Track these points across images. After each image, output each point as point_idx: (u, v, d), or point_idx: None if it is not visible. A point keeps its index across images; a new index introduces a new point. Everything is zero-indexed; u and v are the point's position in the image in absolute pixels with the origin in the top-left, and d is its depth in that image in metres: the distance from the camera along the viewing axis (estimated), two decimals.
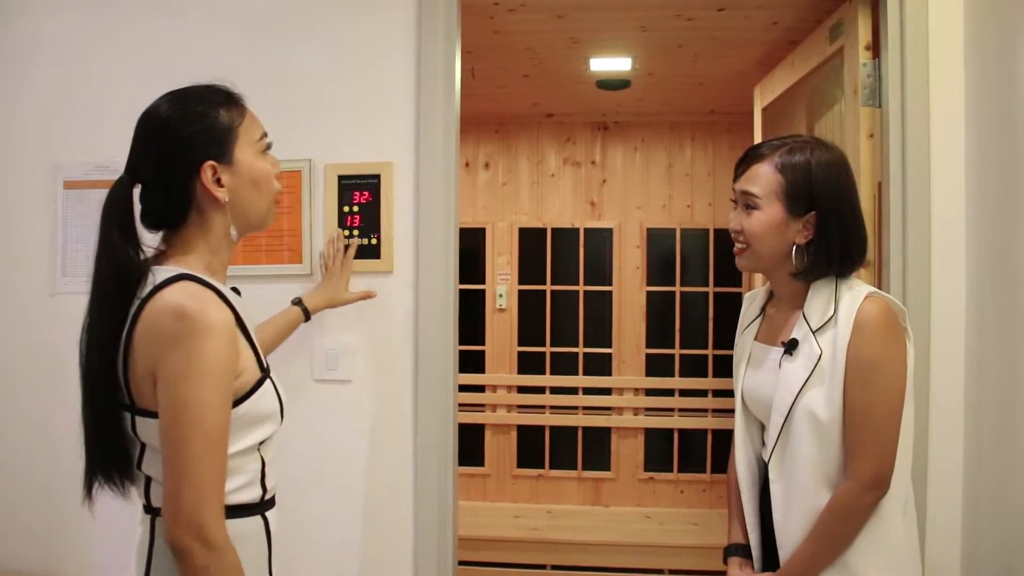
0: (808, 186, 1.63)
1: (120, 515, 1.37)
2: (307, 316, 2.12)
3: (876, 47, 2.30)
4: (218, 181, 1.36)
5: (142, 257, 1.36)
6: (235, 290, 1.51)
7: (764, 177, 1.66)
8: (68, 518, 2.36)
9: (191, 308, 1.24)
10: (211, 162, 1.35)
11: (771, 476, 1.70)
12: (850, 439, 1.59)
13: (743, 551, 1.82)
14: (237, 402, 1.31)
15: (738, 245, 1.73)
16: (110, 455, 1.35)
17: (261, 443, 1.39)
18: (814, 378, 1.61)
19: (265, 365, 1.40)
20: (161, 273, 1.31)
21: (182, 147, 1.35)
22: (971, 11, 2.16)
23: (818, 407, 1.60)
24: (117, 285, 1.31)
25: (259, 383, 1.36)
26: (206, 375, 1.23)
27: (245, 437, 1.34)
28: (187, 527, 1.22)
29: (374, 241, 2.30)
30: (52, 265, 2.41)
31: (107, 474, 1.36)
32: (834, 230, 1.64)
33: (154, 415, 1.27)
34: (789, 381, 1.65)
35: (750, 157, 1.71)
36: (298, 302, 2.12)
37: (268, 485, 1.42)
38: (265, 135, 1.45)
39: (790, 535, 1.65)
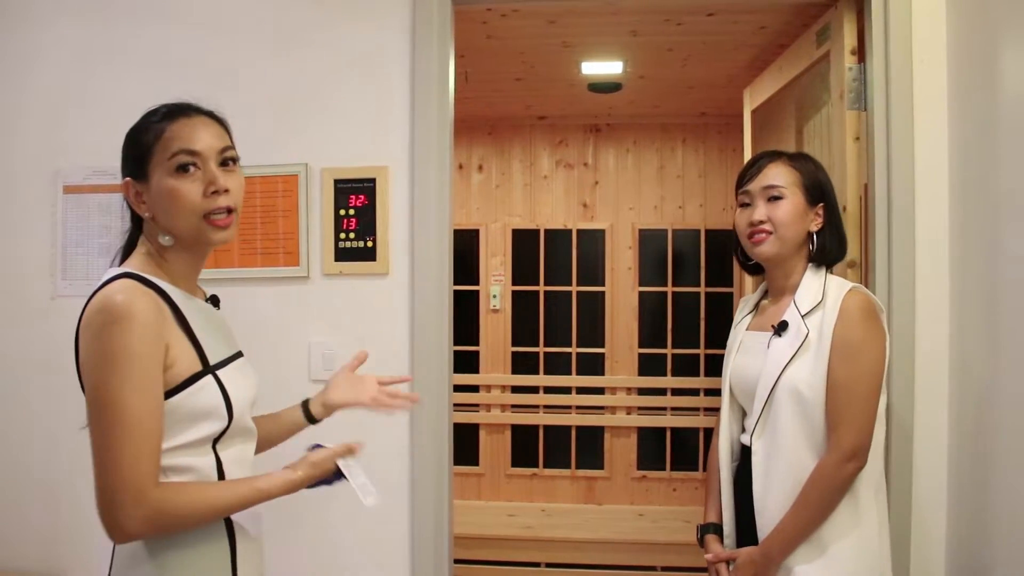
0: (818, 181, 1.88)
1: None
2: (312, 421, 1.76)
3: (861, 51, 2.34)
4: (140, 198, 1.40)
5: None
6: (214, 299, 1.54)
7: (783, 172, 1.88)
8: (69, 519, 2.39)
9: (114, 301, 1.27)
10: (128, 179, 1.41)
11: (753, 448, 1.83)
12: (831, 413, 1.74)
13: (718, 530, 1.95)
14: (166, 395, 1.32)
15: (759, 235, 1.88)
16: None
17: (216, 441, 1.40)
18: (800, 354, 1.77)
19: (212, 361, 1.41)
20: (108, 273, 1.36)
21: (122, 164, 1.43)
22: (954, 16, 2.20)
23: (802, 381, 1.75)
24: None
25: (196, 377, 1.36)
26: (117, 362, 1.25)
27: (183, 432, 1.35)
28: (112, 511, 1.26)
29: (370, 244, 2.34)
30: (52, 269, 2.44)
31: None
32: (837, 218, 1.91)
33: None
34: (776, 357, 1.81)
35: (760, 161, 1.93)
36: (304, 404, 1.76)
37: None
38: (184, 152, 1.38)
39: (769, 504, 1.78)
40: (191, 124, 1.41)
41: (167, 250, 1.42)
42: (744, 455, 1.90)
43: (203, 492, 1.35)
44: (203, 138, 1.40)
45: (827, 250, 1.88)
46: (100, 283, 1.34)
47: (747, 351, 1.94)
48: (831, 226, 1.89)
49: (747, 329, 1.99)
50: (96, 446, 1.27)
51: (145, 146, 1.39)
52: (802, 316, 1.80)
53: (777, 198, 1.85)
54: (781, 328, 1.82)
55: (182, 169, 1.38)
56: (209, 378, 1.38)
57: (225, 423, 1.40)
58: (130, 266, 1.39)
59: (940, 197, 2.21)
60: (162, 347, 1.31)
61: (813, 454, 1.75)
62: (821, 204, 1.88)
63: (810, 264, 1.88)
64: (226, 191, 1.40)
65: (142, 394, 1.27)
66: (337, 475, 1.51)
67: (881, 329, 1.79)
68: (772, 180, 1.87)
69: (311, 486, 1.50)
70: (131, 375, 1.25)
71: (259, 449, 1.61)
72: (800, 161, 1.91)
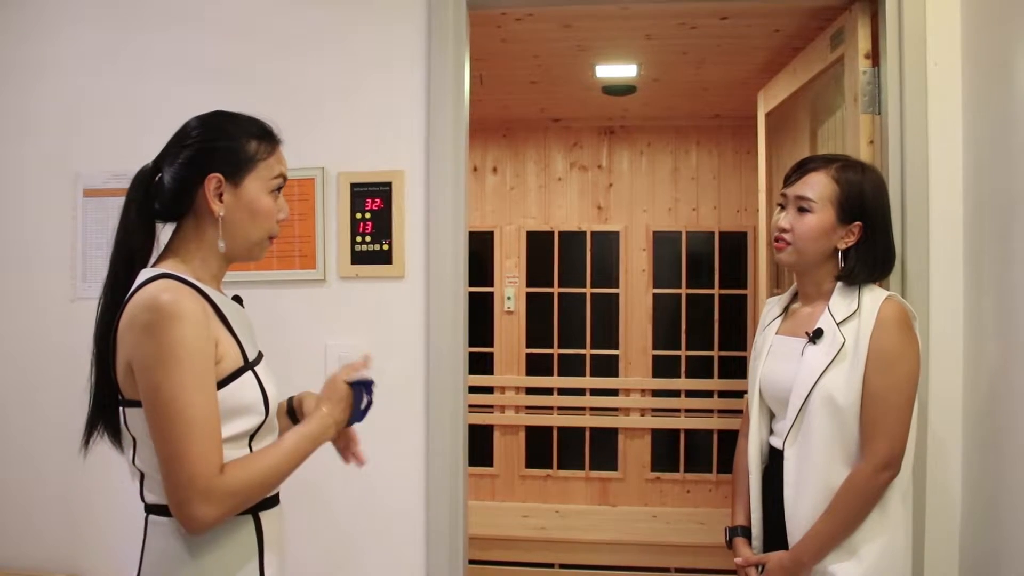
0: (860, 199, 1.82)
1: (138, 516, 1.42)
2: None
3: (876, 55, 2.35)
4: (220, 196, 1.44)
5: (150, 246, 1.46)
6: (237, 299, 1.57)
7: (820, 184, 1.84)
8: (87, 520, 2.41)
9: (163, 299, 1.30)
10: (219, 175, 1.43)
11: (786, 454, 1.82)
12: (866, 422, 1.74)
13: (747, 532, 1.95)
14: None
15: (780, 243, 1.89)
16: (106, 413, 1.45)
17: (252, 437, 1.43)
18: (835, 363, 1.76)
19: (250, 358, 1.45)
20: (145, 273, 1.39)
21: (202, 153, 1.44)
22: (968, 20, 2.20)
23: (837, 390, 1.75)
24: (124, 267, 1.42)
25: (238, 373, 1.40)
26: (176, 359, 1.28)
27: (224, 427, 1.37)
28: (186, 505, 1.29)
29: (386, 247, 2.36)
30: (72, 271, 2.47)
31: (105, 424, 1.46)
32: (879, 241, 1.84)
33: (136, 404, 1.34)
34: (811, 365, 1.80)
35: (806, 167, 1.89)
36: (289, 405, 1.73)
37: None
38: (282, 177, 1.52)
39: (800, 510, 1.78)
40: (282, 154, 1.54)
41: (211, 253, 1.46)
42: (773, 458, 1.91)
43: (263, 461, 1.39)
44: (287, 168, 1.55)
45: (854, 273, 1.84)
46: (137, 284, 1.37)
47: (778, 356, 1.93)
48: (867, 247, 1.84)
49: (777, 333, 1.98)
50: (162, 442, 1.30)
51: (253, 155, 1.47)
52: (837, 324, 1.79)
53: (805, 210, 1.84)
54: (816, 335, 1.81)
55: (274, 192, 1.50)
56: (250, 374, 1.43)
57: (263, 418, 1.44)
58: (164, 267, 1.41)
59: (954, 200, 2.21)
60: (212, 342, 1.35)
61: (846, 462, 1.76)
62: (858, 223, 1.83)
63: (839, 282, 1.86)
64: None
65: (203, 389, 1.31)
66: (357, 392, 1.55)
67: (915, 338, 1.79)
68: (806, 191, 1.84)
69: (360, 418, 1.56)
70: (191, 371, 1.29)
71: None
72: (849, 173, 1.85)
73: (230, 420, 1.39)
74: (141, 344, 1.31)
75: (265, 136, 1.50)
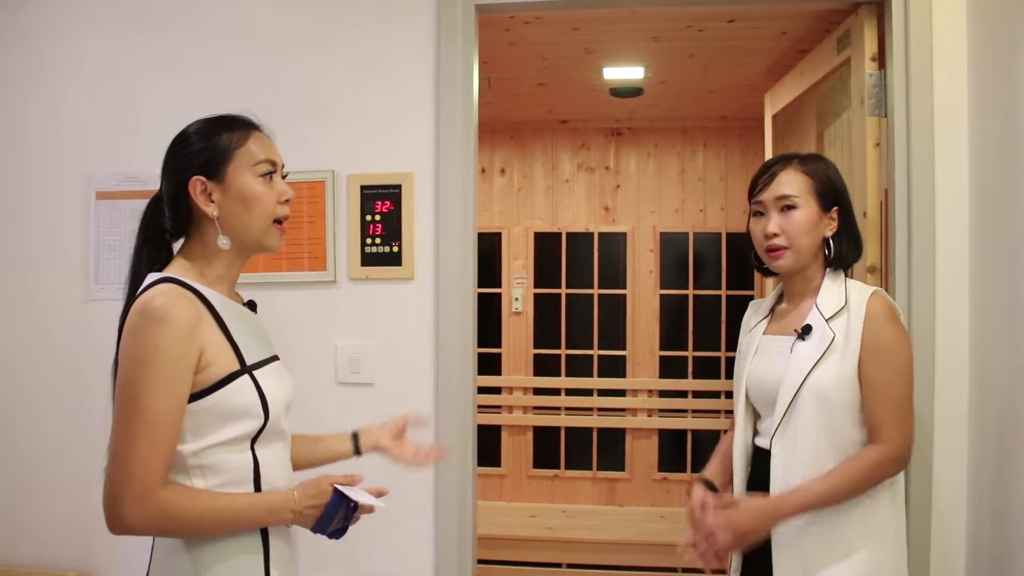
0: (831, 184, 1.84)
1: None
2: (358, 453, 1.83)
3: (882, 57, 2.35)
4: (209, 196, 1.45)
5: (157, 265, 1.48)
6: (251, 304, 1.59)
7: (795, 180, 1.84)
8: (97, 518, 2.41)
9: (154, 304, 1.32)
10: (199, 177, 1.44)
11: (773, 450, 1.81)
12: (875, 414, 1.73)
13: (712, 487, 1.89)
14: (202, 393, 1.37)
15: (777, 251, 1.86)
16: None
17: (254, 441, 1.44)
18: (825, 357, 1.76)
19: (250, 362, 1.46)
20: (150, 278, 1.41)
21: (181, 163, 1.46)
22: (974, 23, 2.21)
23: (827, 384, 1.75)
24: (133, 287, 1.44)
25: (232, 376, 1.41)
26: (149, 362, 1.30)
27: (218, 430, 1.39)
28: (116, 503, 1.31)
29: (395, 249, 2.38)
30: (85, 272, 2.50)
31: None
32: (851, 222, 1.87)
33: None
34: (800, 361, 1.79)
35: (771, 170, 1.89)
36: (354, 436, 1.83)
37: (266, 487, 1.46)
38: (268, 162, 1.50)
39: None
40: (265, 139, 1.53)
41: (215, 254, 1.48)
42: (758, 458, 1.89)
43: (211, 501, 1.38)
44: (277, 153, 1.54)
45: (843, 255, 1.86)
46: (143, 287, 1.39)
47: (766, 355, 1.92)
48: (846, 229, 1.86)
49: (764, 333, 1.97)
50: (114, 437, 1.32)
51: (225, 149, 1.47)
52: (826, 320, 1.79)
53: (790, 207, 1.83)
54: (805, 332, 1.81)
55: (265, 176, 1.49)
56: (246, 378, 1.43)
57: (261, 422, 1.44)
58: (171, 271, 1.44)
59: (960, 202, 2.22)
60: (195, 350, 1.36)
61: (834, 456, 1.75)
62: (835, 208, 1.85)
63: (828, 269, 1.87)
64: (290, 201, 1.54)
65: (167, 395, 1.32)
66: (337, 502, 1.47)
67: (906, 331, 1.81)
68: (784, 190, 1.84)
69: (325, 529, 1.49)
70: (159, 375, 1.30)
71: (295, 467, 1.63)
72: (812, 164, 1.87)
73: (226, 423, 1.40)
74: (126, 343, 1.34)
75: (235, 125, 1.50)
